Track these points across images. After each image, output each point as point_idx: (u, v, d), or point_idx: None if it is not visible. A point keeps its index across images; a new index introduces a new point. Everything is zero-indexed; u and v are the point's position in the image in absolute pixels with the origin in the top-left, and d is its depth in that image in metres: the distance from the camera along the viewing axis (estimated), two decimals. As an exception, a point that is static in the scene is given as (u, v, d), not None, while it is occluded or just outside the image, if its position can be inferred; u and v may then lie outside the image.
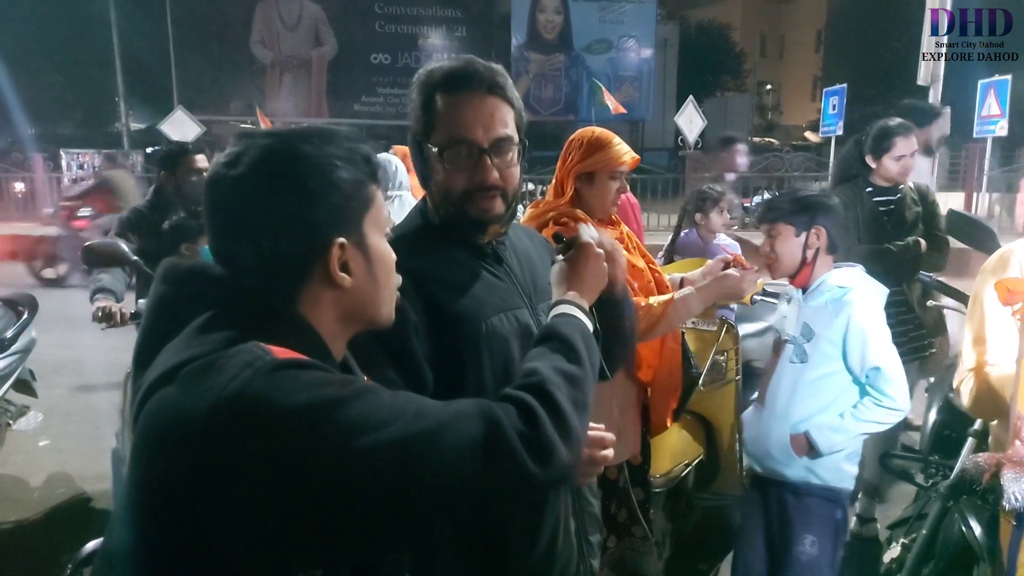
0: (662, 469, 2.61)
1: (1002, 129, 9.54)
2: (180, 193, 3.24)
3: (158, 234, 3.05)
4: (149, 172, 11.93)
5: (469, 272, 1.34)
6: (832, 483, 2.17)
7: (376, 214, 0.98)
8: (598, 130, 2.18)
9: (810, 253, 2.17)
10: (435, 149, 1.29)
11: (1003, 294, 1.61)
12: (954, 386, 1.93)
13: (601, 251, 1.26)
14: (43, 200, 12.85)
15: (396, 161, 3.95)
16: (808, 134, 30.26)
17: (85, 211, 9.30)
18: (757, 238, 2.36)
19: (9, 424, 3.88)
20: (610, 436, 1.21)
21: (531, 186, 11.96)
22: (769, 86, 37.76)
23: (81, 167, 14.40)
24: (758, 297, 2.67)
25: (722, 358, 2.84)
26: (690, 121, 13.03)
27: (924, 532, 2.15)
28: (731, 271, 2.12)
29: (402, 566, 1.08)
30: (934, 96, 8.46)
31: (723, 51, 32.91)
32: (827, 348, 2.13)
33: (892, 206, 3.23)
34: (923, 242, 3.22)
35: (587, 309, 1.20)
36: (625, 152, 2.12)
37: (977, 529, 1.96)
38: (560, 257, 1.27)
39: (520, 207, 1.76)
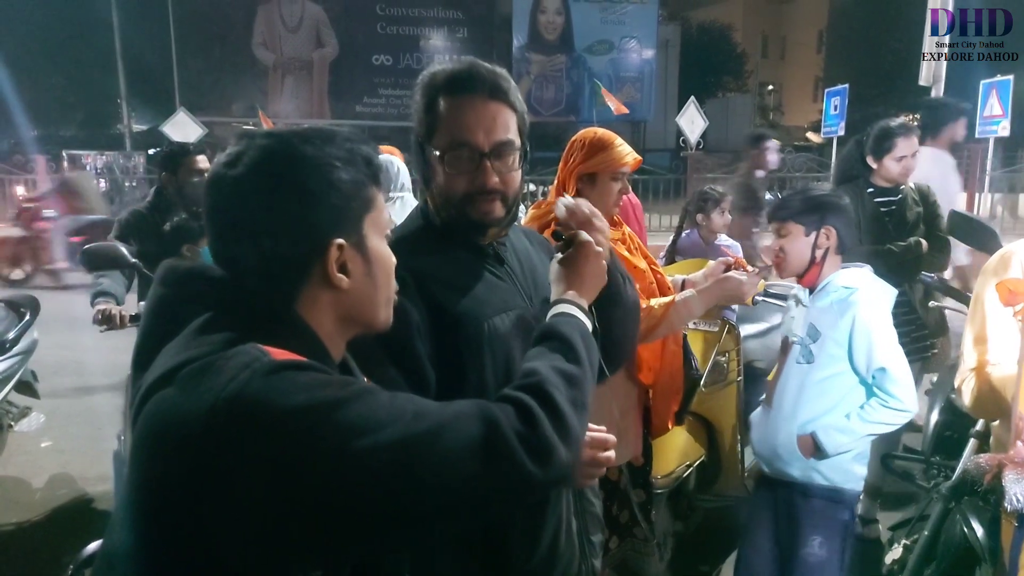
0: (664, 470, 2.61)
1: (1004, 129, 9.50)
2: (181, 194, 3.23)
3: (159, 235, 3.05)
4: (151, 173, 11.95)
5: (471, 273, 1.34)
6: (840, 484, 2.15)
7: (376, 216, 0.98)
8: (600, 131, 2.17)
9: (819, 253, 2.15)
10: (436, 152, 1.29)
11: (1004, 295, 1.61)
12: (955, 386, 1.92)
13: (600, 249, 1.26)
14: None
15: (398, 163, 3.95)
16: (810, 135, 30.23)
17: (48, 212, 9.46)
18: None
19: (11, 425, 3.90)
20: (611, 438, 1.21)
21: (532, 187, 11.96)
22: (771, 87, 37.78)
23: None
24: (760, 298, 2.66)
25: (724, 359, 2.84)
26: (692, 122, 13.05)
27: (926, 533, 2.15)
28: (733, 273, 2.12)
29: (402, 566, 1.08)
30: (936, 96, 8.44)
31: (725, 52, 32.98)
32: (833, 349, 2.11)
33: (893, 207, 3.23)
34: (924, 243, 3.21)
35: (586, 308, 1.19)
36: (627, 153, 2.12)
37: (979, 530, 1.96)
38: (559, 255, 1.27)
39: (522, 208, 1.76)
